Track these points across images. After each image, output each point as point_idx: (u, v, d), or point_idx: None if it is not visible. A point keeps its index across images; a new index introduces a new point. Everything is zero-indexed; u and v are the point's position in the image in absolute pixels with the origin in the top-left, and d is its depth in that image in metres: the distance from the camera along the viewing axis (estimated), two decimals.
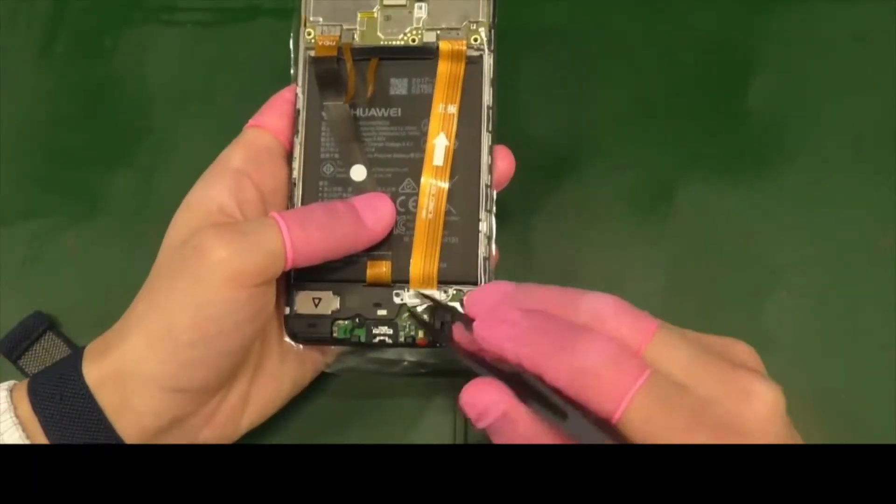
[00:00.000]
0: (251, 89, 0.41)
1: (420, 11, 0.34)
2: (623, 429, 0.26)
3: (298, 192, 0.34)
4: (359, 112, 0.34)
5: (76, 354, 0.31)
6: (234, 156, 0.33)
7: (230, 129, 0.40)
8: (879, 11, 0.42)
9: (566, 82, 0.41)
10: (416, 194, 0.33)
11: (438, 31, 0.34)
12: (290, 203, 0.34)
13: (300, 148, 0.34)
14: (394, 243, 0.33)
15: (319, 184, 0.34)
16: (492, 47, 0.34)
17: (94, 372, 0.30)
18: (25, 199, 0.40)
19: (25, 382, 0.31)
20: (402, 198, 0.33)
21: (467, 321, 0.30)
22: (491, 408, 0.28)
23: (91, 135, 0.41)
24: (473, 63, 0.34)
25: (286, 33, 0.41)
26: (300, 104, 0.34)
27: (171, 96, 0.41)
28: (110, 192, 0.40)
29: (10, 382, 0.31)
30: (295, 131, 0.34)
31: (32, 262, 0.39)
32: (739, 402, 0.26)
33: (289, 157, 0.34)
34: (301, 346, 0.34)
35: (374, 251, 0.33)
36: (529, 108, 0.41)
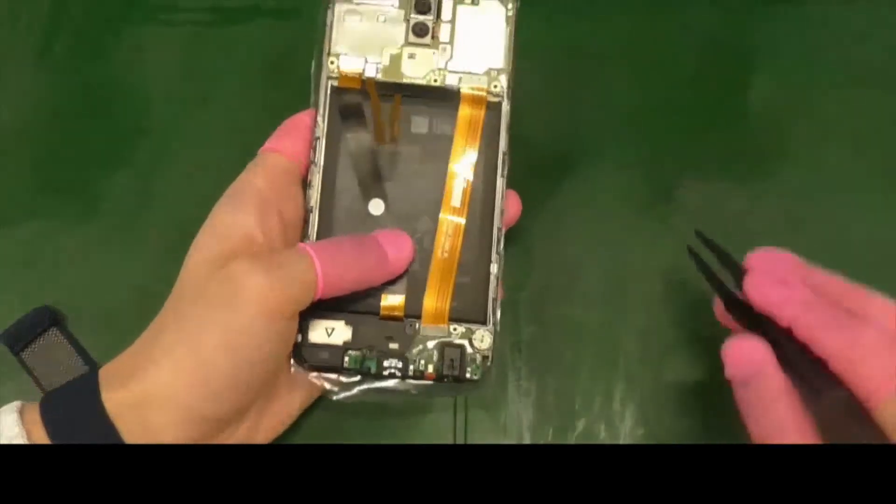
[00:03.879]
0: (250, 90, 0.41)
1: (444, 54, 0.35)
2: (878, 416, 0.27)
3: (314, 220, 0.34)
4: (380, 147, 0.35)
5: (91, 378, 0.30)
6: (257, 180, 0.33)
7: (230, 130, 0.40)
8: (879, 12, 0.42)
9: (566, 82, 0.41)
10: (432, 232, 0.34)
11: (461, 75, 0.35)
12: (304, 230, 0.34)
13: (318, 177, 0.34)
14: (409, 279, 0.34)
15: (336, 214, 0.34)
16: (510, 94, 0.35)
17: (115, 399, 0.29)
18: (25, 199, 0.40)
19: (36, 406, 0.30)
20: (419, 235, 0.34)
21: (740, 272, 0.32)
22: (755, 358, 0.30)
23: (91, 135, 0.41)
24: (492, 109, 0.35)
25: (286, 33, 0.41)
26: (320, 132, 0.35)
27: (170, 96, 0.41)
28: (110, 191, 0.40)
29: (17, 404, 0.30)
30: (312, 159, 0.34)
31: (32, 263, 0.39)
32: None
33: (303, 183, 0.34)
34: (310, 374, 0.34)
35: (389, 285, 0.34)
36: (530, 108, 0.41)
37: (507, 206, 0.35)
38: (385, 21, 0.35)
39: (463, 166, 0.34)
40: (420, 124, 0.35)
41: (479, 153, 0.35)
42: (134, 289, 0.38)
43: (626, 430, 0.37)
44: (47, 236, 0.39)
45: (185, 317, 0.30)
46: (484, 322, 0.34)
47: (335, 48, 0.35)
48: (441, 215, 0.34)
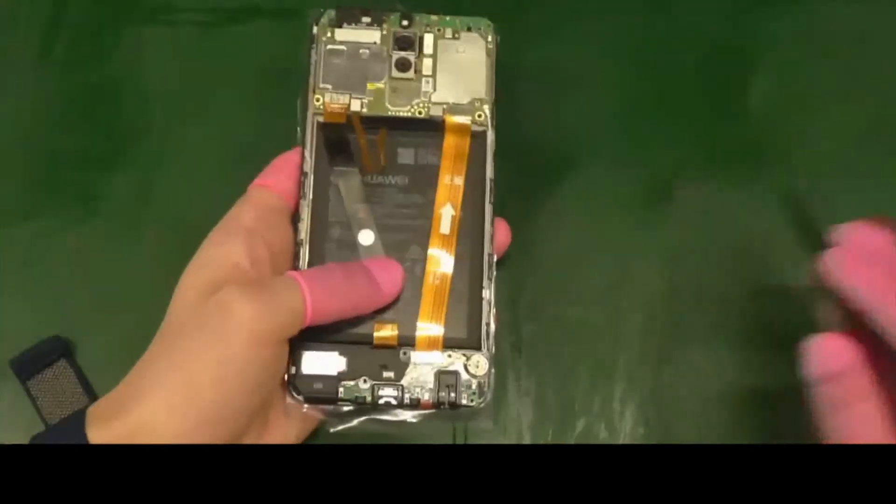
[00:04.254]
0: (250, 90, 0.41)
1: (427, 86, 0.36)
2: None
3: (305, 253, 0.34)
4: (367, 178, 0.35)
5: (78, 418, 0.30)
6: (245, 214, 0.34)
7: (229, 130, 0.40)
8: (880, 12, 0.42)
9: (566, 81, 0.41)
10: (423, 260, 0.35)
11: (445, 106, 0.36)
12: (295, 263, 0.34)
13: (308, 210, 0.35)
14: (401, 307, 0.34)
15: (326, 246, 0.35)
16: (493, 123, 0.36)
17: (102, 436, 0.29)
18: (25, 200, 0.40)
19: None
20: (409, 263, 0.35)
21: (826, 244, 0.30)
22: (844, 355, 0.29)
23: (91, 135, 0.41)
24: (477, 138, 0.36)
25: (285, 34, 0.41)
26: (307, 167, 0.35)
27: (170, 97, 0.41)
28: (110, 192, 0.40)
29: None
30: (301, 194, 0.35)
31: (32, 264, 0.39)
32: None
33: (294, 218, 0.35)
34: (305, 405, 0.34)
35: (380, 314, 0.34)
36: (529, 107, 0.41)
37: (497, 233, 0.35)
38: (368, 57, 0.36)
39: (450, 194, 0.35)
40: (406, 156, 0.36)
41: (467, 181, 0.35)
42: (134, 290, 0.38)
43: (626, 430, 0.37)
44: (47, 236, 0.39)
45: (173, 346, 0.30)
46: (479, 348, 0.34)
47: (320, 85, 0.36)
48: (431, 243, 0.35)
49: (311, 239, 0.34)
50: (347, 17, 0.36)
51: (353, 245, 0.35)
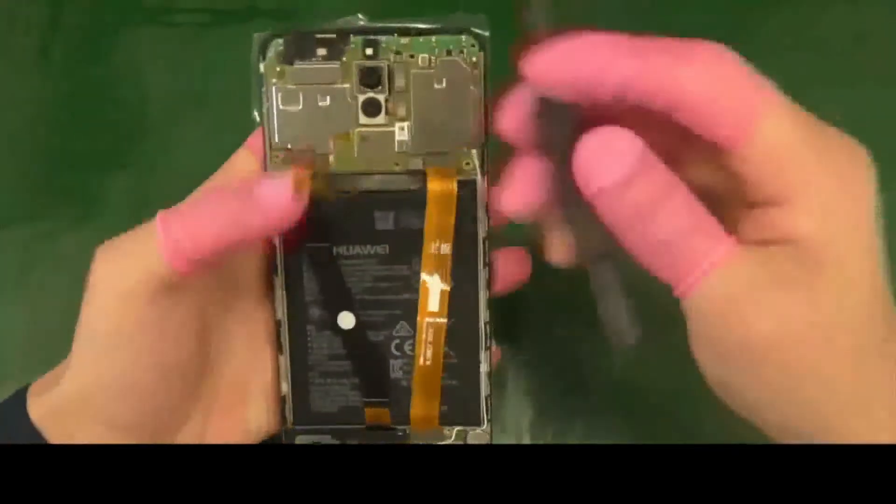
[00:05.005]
0: (249, 90, 0.41)
1: (402, 133, 0.31)
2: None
3: (285, 336, 0.32)
4: (342, 250, 0.31)
5: (22, 389, 0.30)
6: (215, 184, 0.32)
7: (228, 131, 0.40)
8: (879, 11, 0.42)
9: None
10: (412, 338, 0.32)
11: (424, 156, 0.31)
12: (278, 343, 0.32)
13: (281, 291, 0.32)
14: (392, 388, 0.32)
15: (307, 328, 0.32)
16: (486, 169, 0.31)
17: (38, 409, 0.29)
18: (23, 202, 0.40)
19: None
20: (398, 341, 0.32)
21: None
22: (635, 147, 0.24)
23: (89, 137, 0.41)
24: (465, 187, 0.31)
25: None
26: (277, 241, 0.32)
27: (168, 98, 0.41)
28: (108, 194, 0.40)
29: None
30: (273, 269, 0.32)
31: (32, 265, 0.39)
32: None
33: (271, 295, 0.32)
34: None
35: (371, 397, 0.32)
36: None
37: (514, 268, 0.32)
38: (330, 102, 0.31)
39: (437, 265, 0.31)
40: (384, 220, 0.31)
41: (457, 243, 0.31)
42: None
43: (625, 430, 0.37)
44: (46, 237, 0.39)
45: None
46: (479, 423, 0.32)
47: (275, 141, 0.31)
48: (419, 320, 0.31)
49: (290, 322, 0.32)
50: (299, 49, 0.30)
51: (335, 328, 0.32)
